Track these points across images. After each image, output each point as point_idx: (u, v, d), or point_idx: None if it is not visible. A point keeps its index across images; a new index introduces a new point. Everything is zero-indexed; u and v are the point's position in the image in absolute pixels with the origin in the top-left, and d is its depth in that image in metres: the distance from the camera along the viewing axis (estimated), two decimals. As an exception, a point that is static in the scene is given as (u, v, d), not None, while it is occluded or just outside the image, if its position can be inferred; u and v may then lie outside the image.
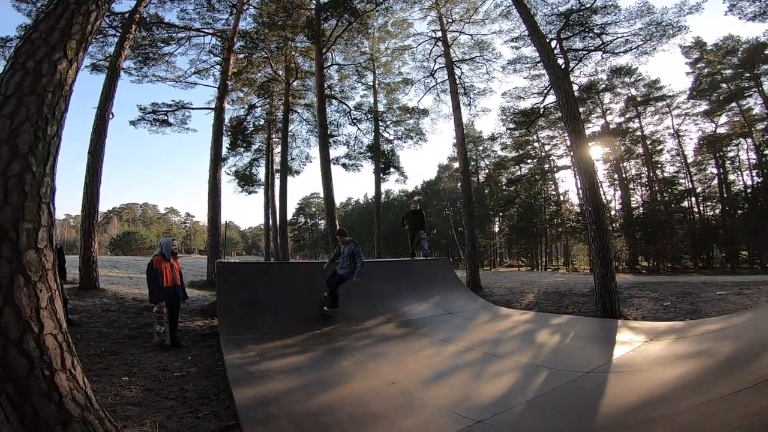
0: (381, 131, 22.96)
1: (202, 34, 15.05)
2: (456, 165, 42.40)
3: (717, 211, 30.35)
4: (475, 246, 15.53)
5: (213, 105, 15.24)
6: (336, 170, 27.64)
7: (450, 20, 18.14)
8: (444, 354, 5.11)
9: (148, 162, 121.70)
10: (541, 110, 20.52)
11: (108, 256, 35.26)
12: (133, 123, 15.98)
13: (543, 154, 36.62)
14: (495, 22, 17.67)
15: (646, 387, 3.00)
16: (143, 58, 14.58)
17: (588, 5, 15.53)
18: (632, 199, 32.58)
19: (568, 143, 32.22)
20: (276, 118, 22.32)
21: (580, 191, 13.69)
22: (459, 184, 30.43)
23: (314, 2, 16.35)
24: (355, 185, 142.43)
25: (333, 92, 21.06)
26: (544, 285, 14.97)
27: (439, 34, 18.19)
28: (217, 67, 15.98)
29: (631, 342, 5.08)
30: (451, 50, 17.55)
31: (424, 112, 22.22)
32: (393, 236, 35.74)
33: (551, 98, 18.61)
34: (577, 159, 9.72)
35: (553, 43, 14.74)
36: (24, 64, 2.37)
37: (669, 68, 59.99)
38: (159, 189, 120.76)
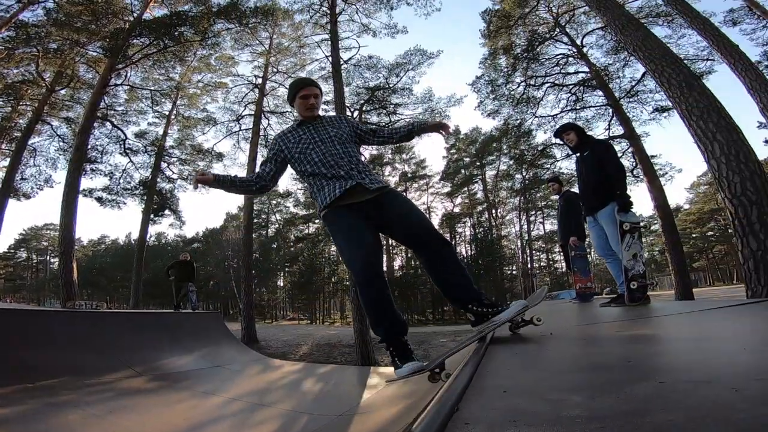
0: (163, 168, 20.49)
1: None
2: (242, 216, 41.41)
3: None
4: (251, 300, 15.27)
5: None
6: (88, 203, 22.38)
7: (275, 70, 18.88)
8: (205, 406, 4.76)
9: None
10: None
11: None
12: None
13: (328, 215, 40.26)
14: (314, 84, 19.43)
15: (378, 425, 3.76)
16: None
17: (391, 85, 19.33)
18: (395, 262, 39.24)
19: None
20: (15, 125, 17.23)
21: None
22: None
23: (134, 16, 14.19)
24: (115, 222, 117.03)
25: (111, 113, 17.85)
26: (317, 337, 15.92)
27: (260, 81, 18.56)
28: None
29: (375, 386, 6.08)
30: (265, 99, 18.00)
31: (219, 156, 21.27)
32: (158, 284, 30.92)
33: None
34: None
35: (355, 114, 17.31)
36: None
37: (433, 150, 78.18)
38: None
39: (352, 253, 2.09)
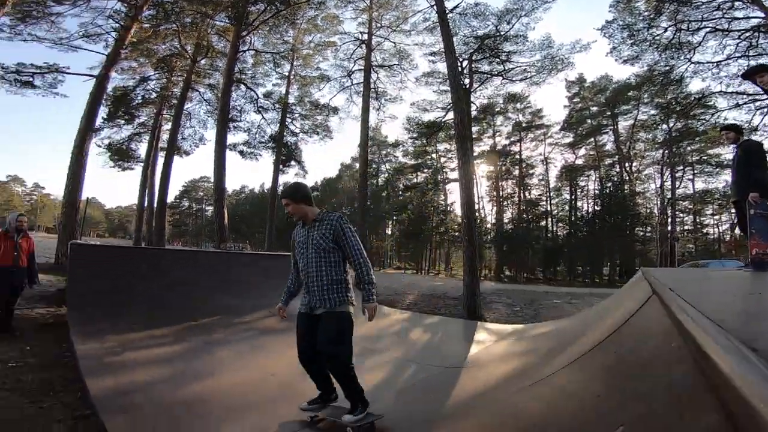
0: (287, 123, 22.75)
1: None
2: (358, 165, 43.23)
3: (565, 232, 36.56)
4: (366, 246, 16.26)
5: (96, 72, 13.31)
6: (232, 156, 26.17)
7: (379, 25, 18.81)
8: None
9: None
10: (442, 125, 22.42)
11: None
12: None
13: (438, 165, 39.64)
14: (420, 34, 19.00)
15: (485, 378, 3.67)
16: (23, 15, 12.66)
17: (503, 33, 17.78)
18: (505, 215, 37.35)
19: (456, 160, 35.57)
20: (171, 94, 20.62)
21: (460, 205, 15.42)
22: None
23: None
24: (251, 174, 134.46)
25: (243, 77, 20.20)
26: (423, 287, 16.40)
27: (365, 36, 18.71)
28: (113, 33, 14.31)
29: (483, 342, 6.00)
30: (372, 54, 18.12)
31: (335, 110, 22.55)
32: (285, 230, 35.02)
33: (451, 115, 20.83)
34: (461, 175, 10.93)
35: (465, 63, 16.28)
36: None
37: (551, 100, 69.90)
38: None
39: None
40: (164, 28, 16.97)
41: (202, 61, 19.72)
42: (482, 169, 35.93)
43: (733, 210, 6.01)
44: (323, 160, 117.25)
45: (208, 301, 6.30)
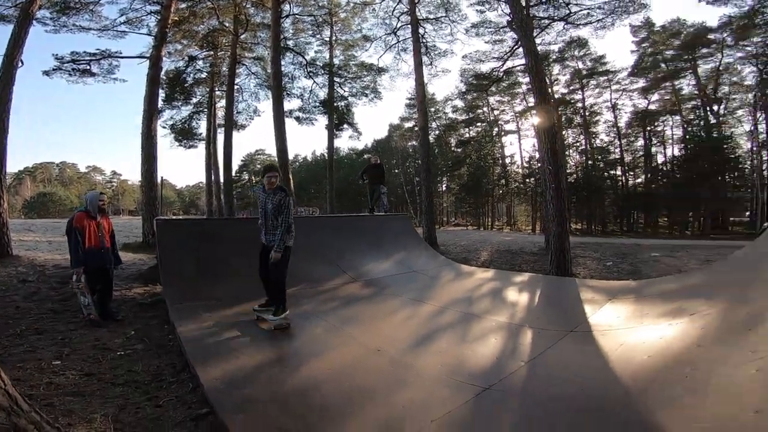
0: (336, 87, 22.42)
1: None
2: (407, 125, 42.44)
3: (639, 180, 33.31)
4: (432, 202, 15.70)
5: (148, 54, 13.43)
6: (287, 124, 26.76)
7: None
8: (420, 315, 4.92)
9: (64, 118, 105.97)
10: (501, 74, 20.78)
11: (21, 219, 31.08)
12: (46, 73, 14.26)
13: (492, 118, 37.41)
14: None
15: (650, 346, 2.99)
16: (61, 7, 12.87)
17: None
18: (569, 166, 34.62)
19: (526, 105, 33.15)
20: (220, 71, 20.96)
21: (538, 153, 14.14)
22: (416, 141, 30.37)
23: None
24: (301, 143, 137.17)
25: (287, 44, 19.84)
26: (495, 244, 15.57)
27: None
28: (152, 16, 14.34)
29: (595, 301, 5.20)
30: (417, 9, 16.88)
31: (382, 70, 21.85)
32: (343, 194, 35.58)
33: (509, 63, 19.12)
34: (540, 120, 9.75)
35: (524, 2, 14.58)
36: None
37: (614, 45, 62.75)
38: (79, 147, 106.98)
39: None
40: (201, 7, 16.91)
41: (244, 35, 19.71)
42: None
43: None
44: (372, 122, 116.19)
45: (290, 270, 6.09)
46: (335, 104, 22.30)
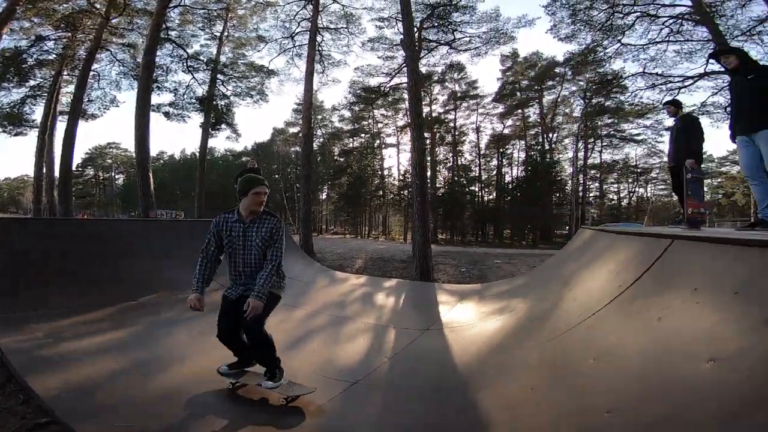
0: (218, 85, 21.34)
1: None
2: (292, 130, 41.80)
3: (491, 196, 39.07)
4: (310, 210, 15.79)
5: None
6: (154, 119, 23.98)
7: None
8: (292, 319, 5.02)
9: None
10: (388, 89, 22.25)
11: None
12: None
13: (375, 130, 39.36)
14: (369, -3, 17.97)
15: (481, 338, 3.70)
16: None
17: (455, 1, 17.85)
18: (437, 180, 38.62)
19: (407, 121, 35.54)
20: (75, 54, 18.31)
21: (411, 166, 15.58)
22: (299, 147, 30.08)
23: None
24: (167, 140, 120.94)
25: (169, 35, 18.17)
26: (369, 252, 16.43)
27: None
28: None
29: (448, 302, 6.10)
30: (319, 16, 16.99)
31: (273, 73, 21.55)
32: (216, 196, 32.96)
33: (396, 80, 20.77)
34: (413, 137, 10.82)
35: (415, 30, 16.06)
36: None
37: (485, 72, 72.49)
38: None
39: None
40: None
41: (115, 20, 17.54)
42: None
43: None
44: (255, 124, 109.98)
45: (144, 276, 5.46)
46: (215, 102, 21.05)
